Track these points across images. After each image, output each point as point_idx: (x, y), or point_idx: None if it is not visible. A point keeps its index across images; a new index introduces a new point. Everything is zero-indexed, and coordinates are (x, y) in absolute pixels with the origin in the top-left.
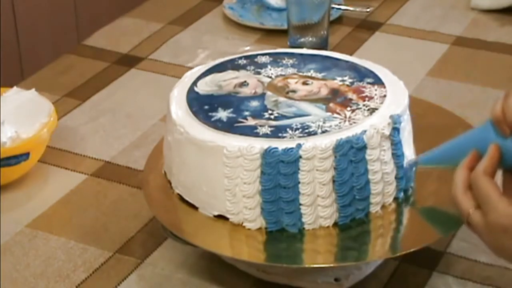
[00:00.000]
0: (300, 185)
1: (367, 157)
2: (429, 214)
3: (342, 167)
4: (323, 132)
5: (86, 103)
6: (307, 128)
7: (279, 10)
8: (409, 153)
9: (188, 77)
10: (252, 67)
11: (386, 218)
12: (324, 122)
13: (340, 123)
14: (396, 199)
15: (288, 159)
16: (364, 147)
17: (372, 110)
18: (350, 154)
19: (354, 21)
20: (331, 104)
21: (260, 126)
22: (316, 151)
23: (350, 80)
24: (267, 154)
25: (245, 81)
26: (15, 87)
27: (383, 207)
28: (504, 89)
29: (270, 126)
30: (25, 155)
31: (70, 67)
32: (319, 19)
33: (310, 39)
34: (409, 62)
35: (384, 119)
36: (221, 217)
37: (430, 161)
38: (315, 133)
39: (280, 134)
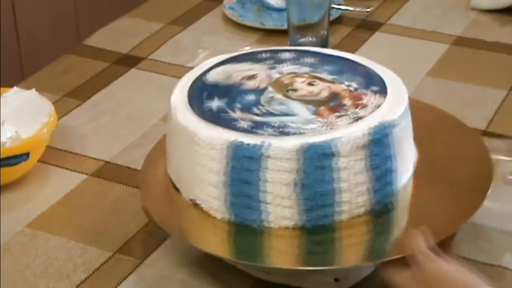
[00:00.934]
0: (262, 182)
1: (334, 165)
2: None
3: (306, 170)
4: (295, 133)
5: (86, 103)
6: (283, 128)
7: (279, 10)
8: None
9: (207, 64)
10: (271, 62)
11: (357, 228)
12: (303, 124)
13: (318, 127)
14: (369, 211)
15: (252, 155)
16: (331, 154)
17: (358, 119)
18: (315, 159)
19: (354, 21)
20: (321, 108)
21: (242, 119)
22: (281, 151)
23: (356, 86)
24: (233, 147)
25: (254, 75)
26: (15, 87)
27: (362, 215)
28: (503, 89)
29: (251, 121)
30: (25, 155)
31: (70, 67)
32: (319, 19)
33: (310, 39)
34: (409, 62)
35: (364, 129)
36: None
37: None
38: (287, 134)
39: (255, 130)
